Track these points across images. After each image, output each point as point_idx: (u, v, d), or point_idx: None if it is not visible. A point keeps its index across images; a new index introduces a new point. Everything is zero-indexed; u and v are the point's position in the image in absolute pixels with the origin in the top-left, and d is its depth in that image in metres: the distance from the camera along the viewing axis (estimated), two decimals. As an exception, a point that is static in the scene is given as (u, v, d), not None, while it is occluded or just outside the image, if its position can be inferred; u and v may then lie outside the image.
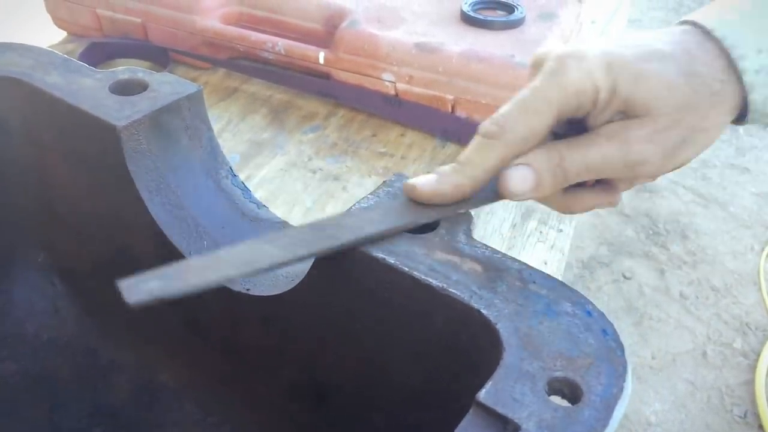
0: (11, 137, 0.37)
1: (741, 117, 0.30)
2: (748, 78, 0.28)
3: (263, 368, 0.35)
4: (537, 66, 0.30)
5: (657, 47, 0.29)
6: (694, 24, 0.29)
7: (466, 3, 0.63)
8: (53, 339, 0.40)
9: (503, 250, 0.45)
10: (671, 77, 0.28)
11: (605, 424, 0.20)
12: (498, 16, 0.63)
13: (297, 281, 0.31)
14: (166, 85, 0.35)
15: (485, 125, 0.29)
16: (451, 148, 0.60)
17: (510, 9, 0.63)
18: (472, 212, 0.30)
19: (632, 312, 1.41)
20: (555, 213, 0.52)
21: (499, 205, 0.52)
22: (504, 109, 0.29)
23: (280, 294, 0.31)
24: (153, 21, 0.67)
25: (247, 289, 0.33)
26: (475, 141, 0.29)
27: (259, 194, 0.38)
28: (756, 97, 0.28)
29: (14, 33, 0.51)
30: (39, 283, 0.41)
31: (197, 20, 0.65)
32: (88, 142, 0.34)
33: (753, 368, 1.29)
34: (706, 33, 0.29)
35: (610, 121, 0.29)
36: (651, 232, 1.61)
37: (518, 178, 0.29)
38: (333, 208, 0.52)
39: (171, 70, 0.67)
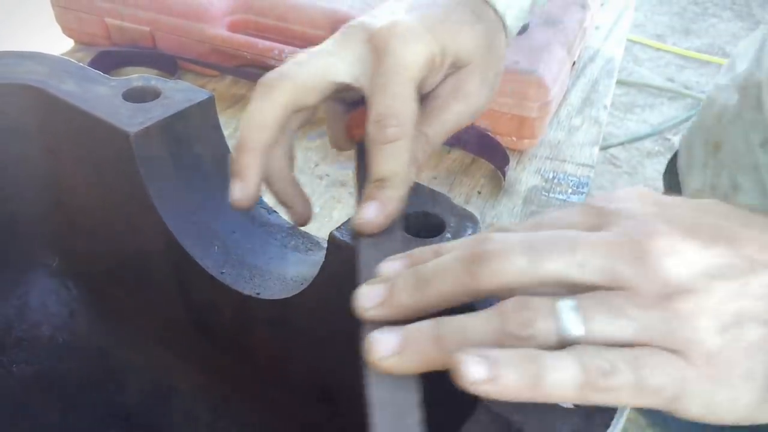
0: (27, 144, 0.37)
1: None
2: (499, 7, 0.34)
3: (272, 370, 0.36)
4: (354, 36, 0.30)
5: (448, 1, 0.32)
6: None
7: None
8: (68, 342, 0.41)
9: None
10: (474, 25, 0.32)
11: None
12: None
13: (305, 285, 0.31)
14: (179, 93, 0.35)
15: (384, 129, 0.28)
16: (456, 153, 0.60)
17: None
18: (477, 216, 0.30)
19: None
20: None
21: (504, 209, 0.53)
22: (386, 103, 0.28)
23: (288, 297, 0.32)
24: (161, 29, 0.68)
25: (257, 293, 0.33)
26: (386, 149, 0.28)
27: (266, 200, 0.38)
28: (510, 22, 0.34)
29: (23, 43, 0.52)
30: (54, 288, 0.41)
31: (205, 28, 0.66)
32: (102, 148, 0.34)
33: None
34: None
35: (444, 78, 0.32)
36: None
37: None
38: (340, 214, 0.53)
39: (179, 78, 0.68)
